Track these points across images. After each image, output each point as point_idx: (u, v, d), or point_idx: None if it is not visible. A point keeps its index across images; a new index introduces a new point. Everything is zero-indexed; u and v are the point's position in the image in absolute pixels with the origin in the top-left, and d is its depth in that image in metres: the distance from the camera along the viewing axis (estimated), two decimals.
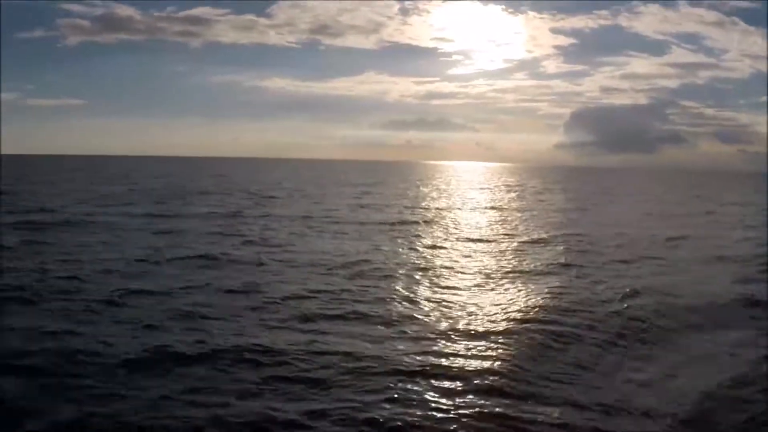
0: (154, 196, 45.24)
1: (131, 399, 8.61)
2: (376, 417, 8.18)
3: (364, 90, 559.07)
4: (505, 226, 31.01)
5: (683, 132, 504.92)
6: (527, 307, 13.79)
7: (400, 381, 9.32)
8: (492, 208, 43.10)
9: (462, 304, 14.15)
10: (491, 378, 9.58)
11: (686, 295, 15.32)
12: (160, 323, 12.09)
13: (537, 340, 11.53)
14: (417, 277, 17.23)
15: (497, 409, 8.49)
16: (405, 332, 11.80)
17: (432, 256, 21.02)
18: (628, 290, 15.63)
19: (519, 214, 37.42)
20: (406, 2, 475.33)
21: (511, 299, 14.66)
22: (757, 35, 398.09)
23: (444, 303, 14.19)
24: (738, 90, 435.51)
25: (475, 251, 22.37)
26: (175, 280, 15.93)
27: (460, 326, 12.23)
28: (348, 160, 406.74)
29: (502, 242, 24.93)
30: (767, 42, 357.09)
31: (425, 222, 31.72)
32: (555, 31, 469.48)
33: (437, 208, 40.88)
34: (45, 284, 15.12)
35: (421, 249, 22.41)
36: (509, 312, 13.36)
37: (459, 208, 42.02)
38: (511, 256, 21.16)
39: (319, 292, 14.88)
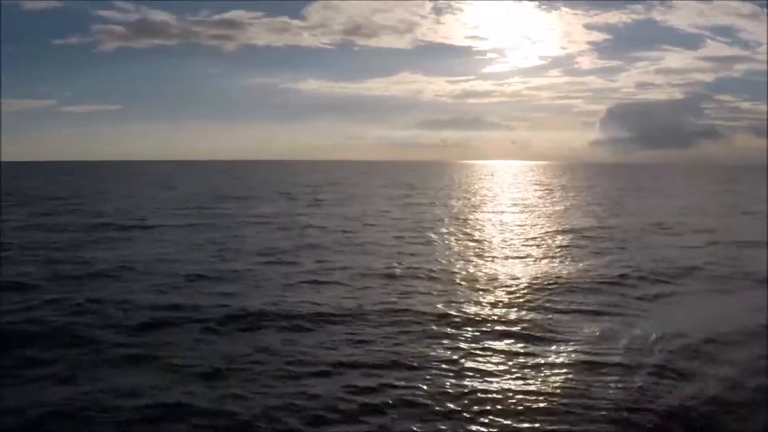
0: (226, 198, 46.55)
1: None
2: None
3: (398, 90, 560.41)
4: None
5: (719, 126, 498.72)
6: None
7: None
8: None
9: None
10: None
11: None
12: None
13: None
14: None
15: None
16: None
17: None
18: None
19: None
20: (439, 1, 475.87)
21: None
22: None
23: None
24: None
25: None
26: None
27: None
28: (382, 161, 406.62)
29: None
30: None
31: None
32: (589, 26, 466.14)
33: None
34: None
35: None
36: None
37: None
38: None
39: None
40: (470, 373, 9.45)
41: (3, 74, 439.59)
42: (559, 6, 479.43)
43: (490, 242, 24.02)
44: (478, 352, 10.42)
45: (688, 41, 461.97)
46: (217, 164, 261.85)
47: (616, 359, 10.00)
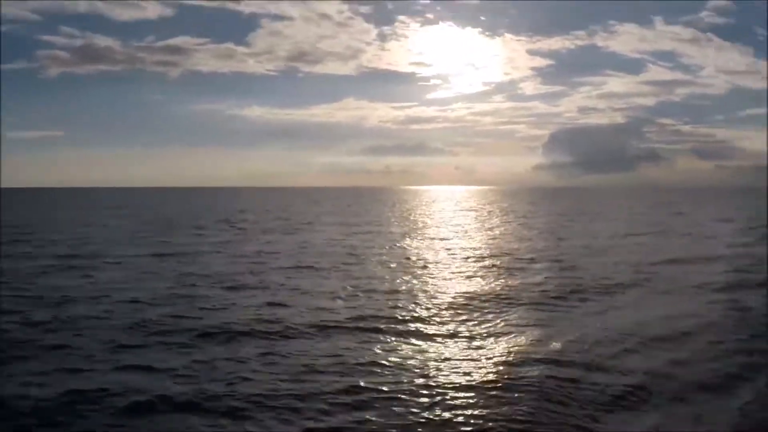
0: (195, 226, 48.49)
1: None
2: None
3: (343, 116, 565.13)
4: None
5: (661, 149, 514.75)
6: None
7: None
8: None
9: None
10: None
11: None
12: None
13: None
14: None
15: None
16: None
17: None
18: None
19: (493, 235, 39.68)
20: (384, 27, 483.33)
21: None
22: (732, 50, 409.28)
23: None
24: (715, 106, 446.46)
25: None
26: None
27: None
28: (329, 187, 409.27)
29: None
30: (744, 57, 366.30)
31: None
32: (532, 52, 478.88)
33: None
34: None
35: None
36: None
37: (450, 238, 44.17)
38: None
39: None
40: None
41: None
42: (503, 32, 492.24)
43: (425, 265, 26.06)
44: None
45: (630, 66, 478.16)
46: (164, 191, 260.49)
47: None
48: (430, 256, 29.19)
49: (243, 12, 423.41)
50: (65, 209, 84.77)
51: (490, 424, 8.95)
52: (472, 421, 9.03)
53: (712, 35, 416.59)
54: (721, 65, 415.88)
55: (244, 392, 10.14)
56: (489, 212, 75.27)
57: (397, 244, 34.40)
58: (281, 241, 36.20)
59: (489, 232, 43.49)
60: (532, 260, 26.95)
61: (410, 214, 71.19)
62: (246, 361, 11.90)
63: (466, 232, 44.41)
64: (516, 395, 9.97)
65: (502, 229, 47.02)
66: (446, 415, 9.29)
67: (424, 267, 25.19)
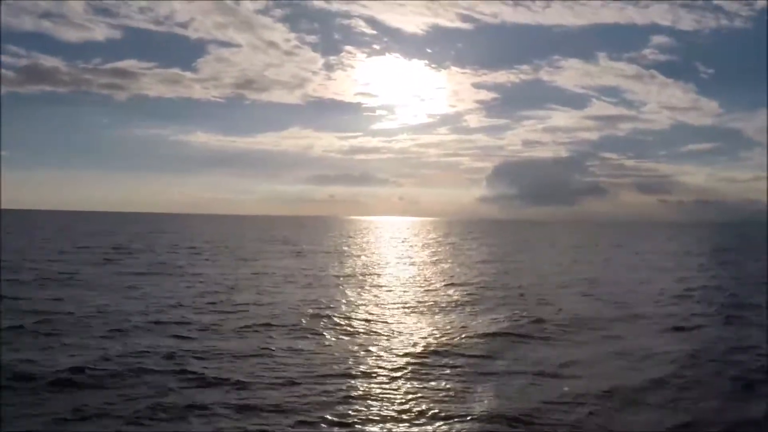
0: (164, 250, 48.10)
1: None
2: None
3: (288, 145, 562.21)
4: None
5: (604, 183, 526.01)
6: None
7: None
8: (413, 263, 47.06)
9: None
10: None
11: None
12: None
13: None
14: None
15: None
16: None
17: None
18: None
19: (434, 268, 41.47)
20: (331, 57, 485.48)
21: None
22: (675, 87, 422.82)
23: None
24: (658, 141, 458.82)
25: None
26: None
27: None
28: (271, 216, 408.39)
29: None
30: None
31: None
32: (477, 85, 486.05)
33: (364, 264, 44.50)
34: None
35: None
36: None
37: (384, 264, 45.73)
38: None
39: None
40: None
41: None
42: (448, 65, 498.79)
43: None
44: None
45: (574, 101, 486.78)
46: (106, 216, 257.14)
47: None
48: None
49: (190, 38, 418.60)
50: (22, 233, 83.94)
51: None
52: None
53: (655, 72, 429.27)
54: (663, 101, 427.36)
55: None
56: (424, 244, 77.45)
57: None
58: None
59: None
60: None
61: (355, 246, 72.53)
62: None
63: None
64: None
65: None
66: None
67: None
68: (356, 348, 16.39)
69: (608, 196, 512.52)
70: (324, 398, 11.99)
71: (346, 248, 65.76)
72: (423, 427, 10.65)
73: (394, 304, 24.61)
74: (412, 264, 45.51)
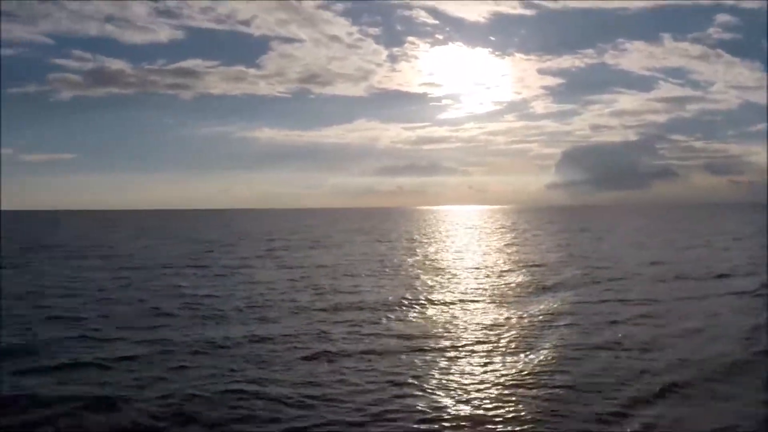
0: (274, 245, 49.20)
1: None
2: None
3: (354, 137, 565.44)
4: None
5: (673, 166, 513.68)
6: None
7: None
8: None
9: None
10: None
11: None
12: None
13: None
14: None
15: None
16: None
17: None
18: None
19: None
20: (394, 49, 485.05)
21: None
22: (741, 66, 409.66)
23: None
24: (726, 121, 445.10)
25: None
26: None
27: None
28: (340, 208, 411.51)
29: None
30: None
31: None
32: (542, 71, 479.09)
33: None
34: None
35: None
36: None
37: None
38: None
39: None
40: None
41: None
42: (512, 52, 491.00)
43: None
44: None
45: (640, 83, 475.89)
46: (180, 213, 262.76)
47: None
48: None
49: (253, 35, 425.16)
50: (104, 230, 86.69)
51: None
52: None
53: (721, 51, 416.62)
54: (730, 80, 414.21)
55: None
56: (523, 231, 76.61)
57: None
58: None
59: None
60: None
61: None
62: None
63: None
64: None
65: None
66: None
67: None
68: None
69: (678, 179, 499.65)
70: None
71: (427, 236, 65.82)
72: None
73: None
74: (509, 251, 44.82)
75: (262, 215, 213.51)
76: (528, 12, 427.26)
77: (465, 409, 10.52)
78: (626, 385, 11.61)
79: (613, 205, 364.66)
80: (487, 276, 28.91)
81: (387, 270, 31.78)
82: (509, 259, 36.86)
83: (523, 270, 30.93)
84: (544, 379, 12.07)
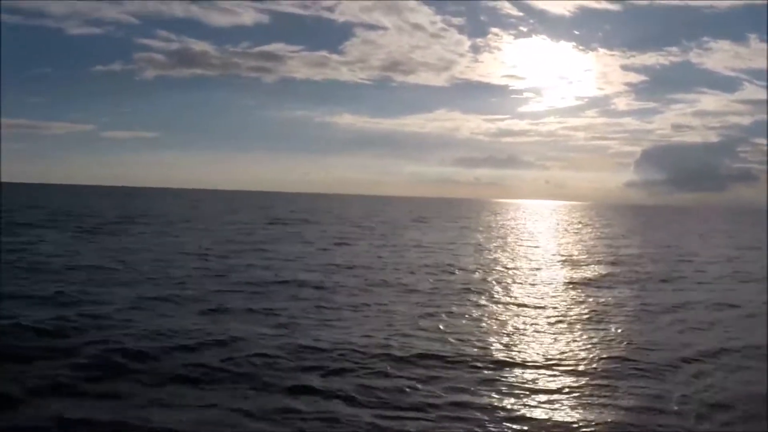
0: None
1: None
2: None
3: (434, 127, 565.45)
4: None
5: (754, 170, 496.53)
6: None
7: None
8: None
9: None
10: None
11: None
12: None
13: None
14: None
15: None
16: None
17: None
18: None
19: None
20: (478, 39, 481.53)
21: None
22: None
23: None
24: None
25: None
26: None
27: None
28: (418, 197, 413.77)
29: None
30: None
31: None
32: (626, 68, 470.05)
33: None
34: None
35: None
36: None
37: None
38: None
39: None
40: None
41: (45, 97, 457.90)
42: (596, 47, 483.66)
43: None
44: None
45: (724, 84, 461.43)
46: (265, 195, 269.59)
47: None
48: None
49: (337, 21, 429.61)
50: (199, 208, 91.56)
51: None
52: None
53: None
54: None
55: None
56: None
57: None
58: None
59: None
60: None
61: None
62: None
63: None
64: None
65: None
66: None
67: None
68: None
69: (759, 184, 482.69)
70: None
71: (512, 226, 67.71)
72: None
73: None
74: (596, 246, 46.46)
75: (340, 200, 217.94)
76: (613, 7, 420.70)
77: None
78: None
79: (691, 206, 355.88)
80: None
81: None
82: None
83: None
84: None
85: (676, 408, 9.64)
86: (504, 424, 8.87)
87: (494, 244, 41.12)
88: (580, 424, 8.95)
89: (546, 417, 9.18)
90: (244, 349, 11.98)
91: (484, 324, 15.45)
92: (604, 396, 10.09)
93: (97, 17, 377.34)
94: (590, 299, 19.62)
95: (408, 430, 8.56)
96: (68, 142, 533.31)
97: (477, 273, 25.35)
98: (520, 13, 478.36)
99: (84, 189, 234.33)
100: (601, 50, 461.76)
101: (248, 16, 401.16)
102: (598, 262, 31.04)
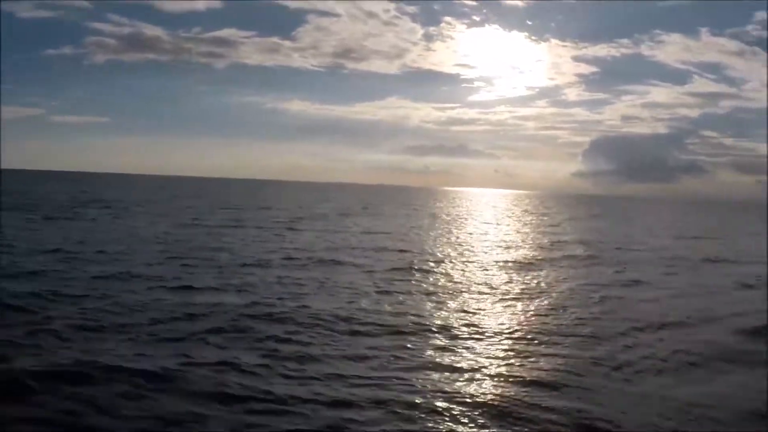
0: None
1: None
2: None
3: (385, 115, 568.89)
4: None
5: (702, 162, 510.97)
6: None
7: None
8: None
9: None
10: None
11: None
12: None
13: None
14: None
15: None
16: None
17: None
18: None
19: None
20: (431, 28, 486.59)
21: None
22: None
23: None
24: (758, 120, 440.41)
25: None
26: None
27: None
28: (369, 185, 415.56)
29: None
30: None
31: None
32: (577, 59, 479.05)
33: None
34: None
35: None
36: None
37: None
38: None
39: None
40: None
41: None
42: (549, 38, 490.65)
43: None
44: None
45: (675, 77, 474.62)
46: (211, 182, 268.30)
47: None
48: None
49: (290, 7, 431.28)
50: (151, 194, 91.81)
51: None
52: None
53: (758, 48, 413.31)
54: (765, 79, 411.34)
55: None
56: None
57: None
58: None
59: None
60: None
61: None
62: None
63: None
64: None
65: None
66: None
67: None
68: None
69: (706, 175, 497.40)
70: None
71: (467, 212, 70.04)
72: None
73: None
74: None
75: (293, 187, 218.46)
76: None
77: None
78: None
79: (638, 197, 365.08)
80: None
81: None
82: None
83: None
84: None
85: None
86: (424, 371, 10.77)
87: (438, 231, 43.16)
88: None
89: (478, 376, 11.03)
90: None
91: (420, 299, 17.41)
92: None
93: (48, 1, 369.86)
94: (519, 279, 21.82)
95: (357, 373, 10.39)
96: (17, 126, 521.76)
97: (418, 256, 27.31)
98: (474, 3, 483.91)
99: (33, 174, 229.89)
100: (554, 41, 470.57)
101: (201, 2, 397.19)
102: (533, 247, 33.44)
